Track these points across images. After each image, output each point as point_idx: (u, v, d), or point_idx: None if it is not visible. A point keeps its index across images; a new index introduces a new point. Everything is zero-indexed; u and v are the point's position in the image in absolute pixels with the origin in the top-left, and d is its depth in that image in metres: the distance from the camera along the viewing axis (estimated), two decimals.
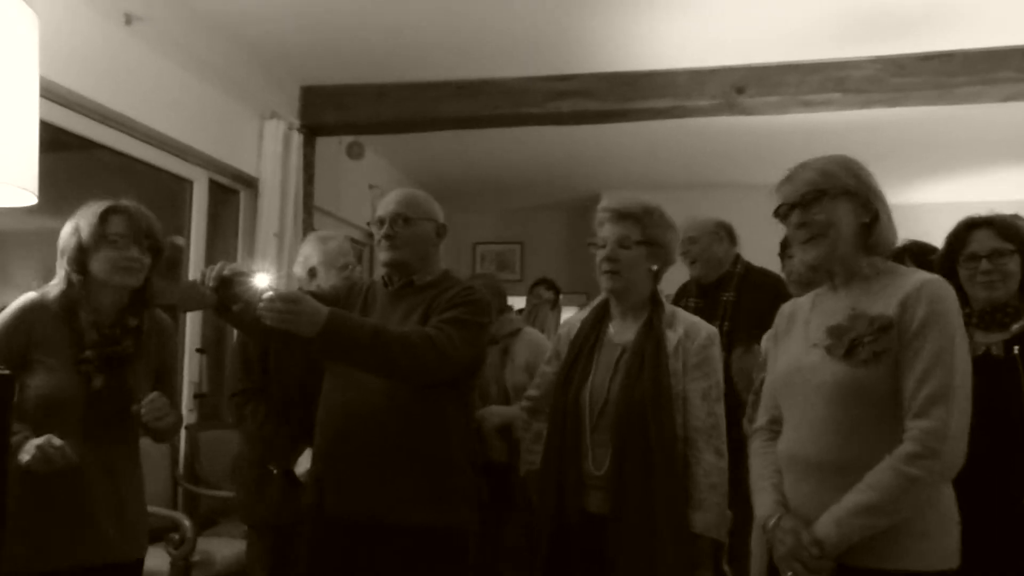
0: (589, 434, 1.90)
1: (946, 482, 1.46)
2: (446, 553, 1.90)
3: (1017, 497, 1.79)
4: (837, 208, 1.57)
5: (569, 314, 7.63)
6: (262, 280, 1.70)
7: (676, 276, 3.13)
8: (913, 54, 3.52)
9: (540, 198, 6.82)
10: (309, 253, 2.56)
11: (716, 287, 3.05)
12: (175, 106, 3.21)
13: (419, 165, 5.91)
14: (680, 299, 3.14)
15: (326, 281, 2.47)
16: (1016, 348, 1.89)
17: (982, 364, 1.84)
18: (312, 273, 2.53)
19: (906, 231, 2.78)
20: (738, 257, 3.12)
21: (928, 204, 6.12)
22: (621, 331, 2.00)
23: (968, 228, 2.05)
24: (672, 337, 1.91)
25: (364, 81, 4.04)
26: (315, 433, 1.99)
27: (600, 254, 1.97)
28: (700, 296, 3.09)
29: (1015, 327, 1.93)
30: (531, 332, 3.27)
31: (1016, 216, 2.11)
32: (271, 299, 1.64)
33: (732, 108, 3.79)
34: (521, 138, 4.81)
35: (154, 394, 1.75)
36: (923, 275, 1.56)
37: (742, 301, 2.91)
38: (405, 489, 1.87)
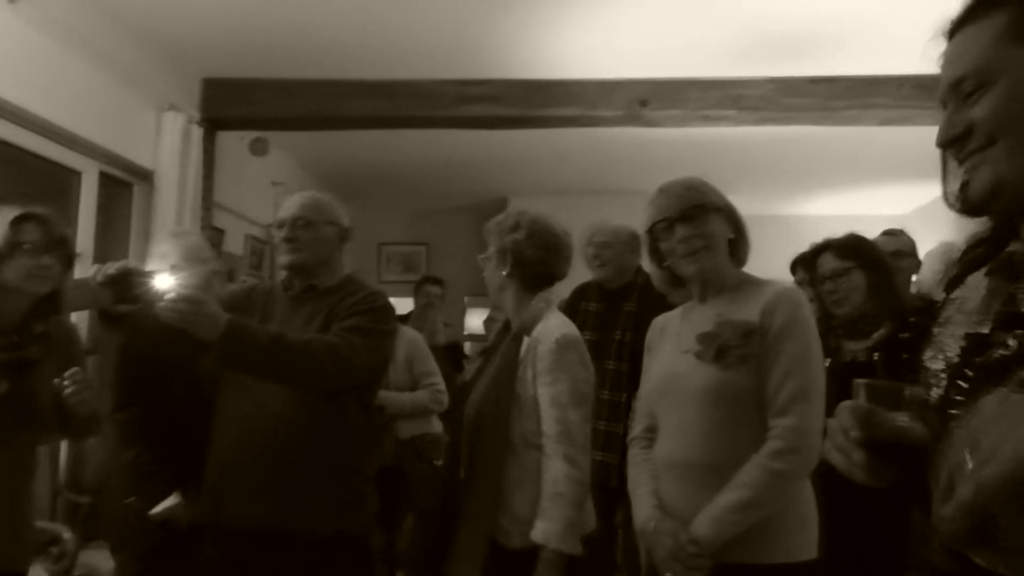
0: (463, 443, 1.93)
1: (807, 475, 1.58)
2: (349, 560, 1.90)
3: (873, 491, 1.93)
4: (713, 223, 1.68)
5: (476, 316, 7.57)
6: (164, 281, 1.66)
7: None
8: (802, 77, 3.73)
9: (447, 200, 6.82)
10: (166, 251, 2.45)
11: (619, 295, 3.11)
12: (63, 92, 3.05)
13: (325, 162, 5.80)
14: (579, 301, 3.19)
15: (189, 278, 2.39)
16: (876, 354, 2.06)
17: (849, 370, 2.01)
18: (173, 269, 2.45)
19: (795, 240, 2.98)
20: (639, 268, 3.17)
21: (816, 216, 6.51)
22: None
23: (815, 254, 2.26)
24: (526, 342, 1.92)
25: (270, 76, 3.94)
26: (211, 441, 1.94)
27: None
28: (601, 301, 3.16)
29: (876, 335, 2.11)
30: (407, 330, 3.55)
31: (853, 234, 2.31)
32: (175, 299, 1.61)
33: (636, 120, 3.91)
34: (430, 139, 4.80)
35: (74, 368, 1.71)
36: (780, 284, 1.69)
37: (644, 313, 2.88)
38: (307, 496, 1.85)
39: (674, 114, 3.86)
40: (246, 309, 1.94)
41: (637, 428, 1.81)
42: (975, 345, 0.84)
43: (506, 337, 2.06)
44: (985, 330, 0.84)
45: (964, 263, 0.96)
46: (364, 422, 2.00)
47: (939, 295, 3.00)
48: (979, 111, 0.85)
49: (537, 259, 1.96)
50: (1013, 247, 0.89)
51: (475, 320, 6.55)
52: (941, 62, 0.90)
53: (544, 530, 1.73)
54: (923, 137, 4.18)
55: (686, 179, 1.73)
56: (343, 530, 1.88)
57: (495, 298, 2.05)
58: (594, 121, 3.96)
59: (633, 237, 3.16)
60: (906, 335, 2.07)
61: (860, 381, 0.87)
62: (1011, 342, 0.79)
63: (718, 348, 1.59)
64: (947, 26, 0.90)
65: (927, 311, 2.31)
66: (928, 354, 0.92)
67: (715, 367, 1.59)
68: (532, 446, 1.82)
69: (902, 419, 0.84)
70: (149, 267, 2.15)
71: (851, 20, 3.21)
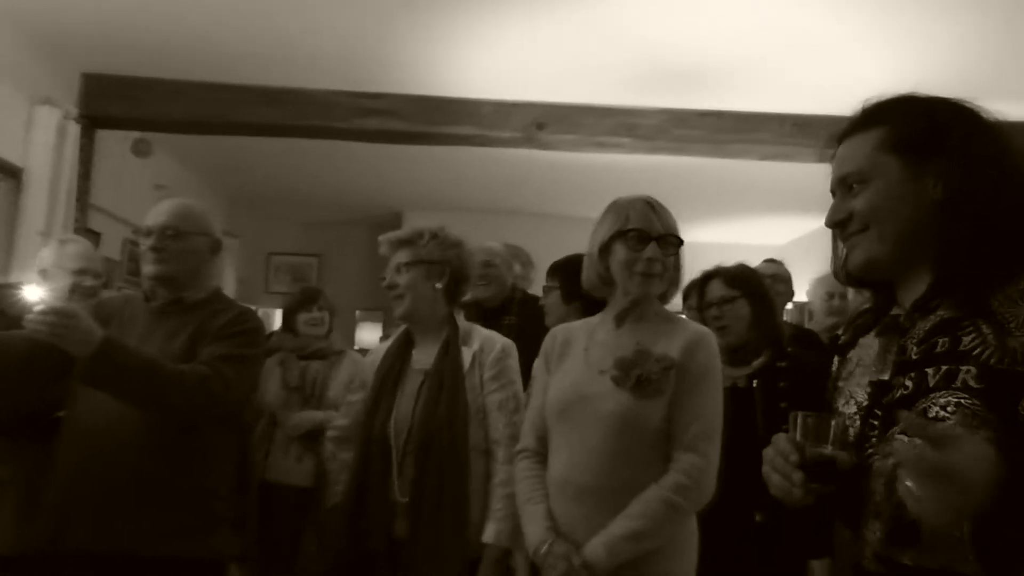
0: (396, 464, 1.90)
1: (699, 509, 1.64)
2: None
3: (752, 511, 2.02)
4: (675, 258, 1.75)
5: (367, 331, 7.45)
6: (33, 293, 1.55)
7: None
8: (693, 109, 3.88)
9: (341, 212, 6.69)
10: (44, 254, 2.39)
11: (498, 311, 3.16)
12: None
13: (213, 168, 5.59)
14: None
15: (55, 284, 2.26)
16: (755, 381, 2.16)
17: (730, 395, 2.09)
18: (43, 275, 2.34)
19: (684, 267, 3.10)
20: (515, 284, 3.26)
21: (702, 243, 6.76)
22: (423, 356, 2.02)
23: (704, 280, 2.36)
24: (468, 353, 1.96)
25: (157, 75, 3.76)
26: (57, 459, 1.80)
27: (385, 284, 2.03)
28: (480, 319, 3.19)
29: (756, 363, 2.21)
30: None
31: (742, 264, 2.43)
32: (44, 311, 1.51)
33: (532, 142, 3.96)
34: (325, 150, 4.71)
35: None
36: (698, 326, 1.77)
37: (524, 327, 2.97)
38: (157, 519, 1.75)
39: (569, 139, 3.93)
40: (98, 323, 1.82)
41: (527, 440, 1.79)
42: (879, 390, 1.02)
43: (405, 357, 2.03)
44: (886, 377, 1.01)
45: (853, 329, 1.15)
46: (224, 441, 1.91)
47: (824, 321, 3.20)
48: (858, 203, 1.05)
49: (470, 277, 2.10)
50: (896, 311, 1.08)
51: (366, 335, 6.44)
52: (833, 160, 1.11)
53: (495, 531, 1.82)
54: (801, 174, 4.49)
55: (660, 204, 1.77)
56: (194, 554, 1.78)
57: (414, 307, 2.02)
58: (491, 141, 3.98)
59: (516, 255, 3.27)
60: (783, 364, 2.18)
61: (795, 414, 1.00)
62: (908, 383, 0.97)
63: (638, 378, 1.61)
64: (838, 134, 1.11)
65: (804, 341, 2.44)
66: (840, 401, 1.09)
67: (631, 395, 1.61)
68: (481, 453, 1.90)
69: (830, 448, 0.98)
70: (21, 273, 2.01)
71: (738, 58, 3.37)
